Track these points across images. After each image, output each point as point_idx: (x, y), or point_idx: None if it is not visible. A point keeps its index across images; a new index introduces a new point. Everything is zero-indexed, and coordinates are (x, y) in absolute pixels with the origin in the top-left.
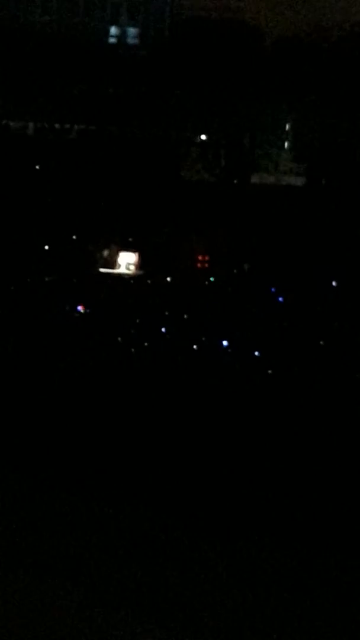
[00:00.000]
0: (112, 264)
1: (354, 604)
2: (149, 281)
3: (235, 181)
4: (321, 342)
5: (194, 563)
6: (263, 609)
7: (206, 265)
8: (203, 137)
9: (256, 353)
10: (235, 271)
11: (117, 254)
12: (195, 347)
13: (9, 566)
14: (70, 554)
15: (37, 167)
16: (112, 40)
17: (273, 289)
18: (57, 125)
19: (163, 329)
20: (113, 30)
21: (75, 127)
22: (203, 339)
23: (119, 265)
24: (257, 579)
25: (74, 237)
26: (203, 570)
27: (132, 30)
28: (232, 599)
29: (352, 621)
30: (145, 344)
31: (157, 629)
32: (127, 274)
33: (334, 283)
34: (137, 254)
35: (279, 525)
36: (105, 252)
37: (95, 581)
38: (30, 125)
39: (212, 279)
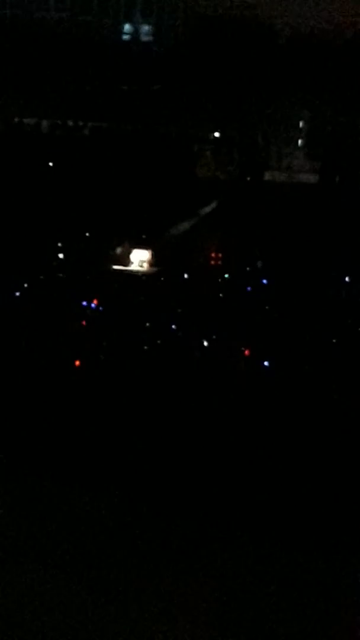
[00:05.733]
0: (125, 261)
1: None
2: (162, 278)
3: (248, 179)
4: (334, 340)
5: (194, 562)
6: (262, 609)
7: (219, 262)
8: (217, 134)
9: (269, 350)
10: (248, 269)
11: (130, 251)
12: (207, 344)
13: (10, 563)
14: (71, 553)
15: (51, 164)
16: (125, 37)
17: (286, 287)
18: (70, 123)
19: (175, 326)
20: (127, 27)
21: (89, 124)
22: (215, 336)
23: (132, 263)
24: (256, 578)
25: (87, 234)
26: (203, 569)
27: (145, 28)
28: (232, 597)
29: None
30: (158, 340)
31: (157, 628)
32: (140, 271)
33: (347, 279)
34: (150, 251)
35: (280, 525)
36: (119, 250)
37: (95, 579)
38: (44, 122)
39: (225, 276)
